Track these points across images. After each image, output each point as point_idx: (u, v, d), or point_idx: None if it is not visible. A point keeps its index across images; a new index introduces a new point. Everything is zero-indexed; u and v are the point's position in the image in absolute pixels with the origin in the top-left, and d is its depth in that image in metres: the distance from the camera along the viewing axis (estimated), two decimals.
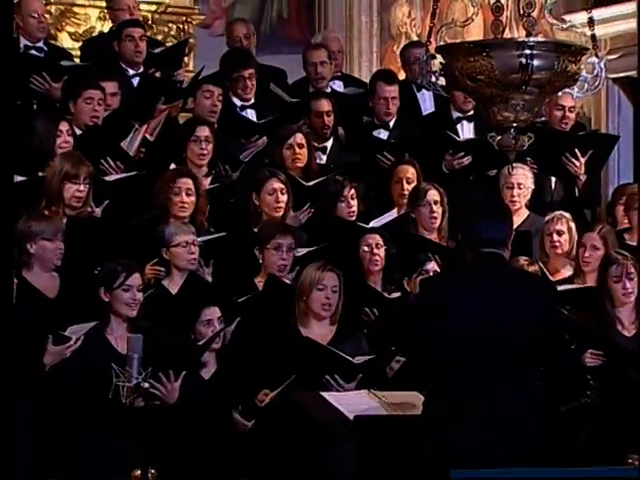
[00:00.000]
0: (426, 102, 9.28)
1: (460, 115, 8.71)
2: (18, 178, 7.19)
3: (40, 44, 8.88)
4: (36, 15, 8.90)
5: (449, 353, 5.31)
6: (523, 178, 7.96)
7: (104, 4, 9.80)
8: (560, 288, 7.26)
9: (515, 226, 7.78)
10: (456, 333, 5.30)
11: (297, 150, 8.04)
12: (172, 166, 7.68)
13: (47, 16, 9.28)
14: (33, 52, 8.79)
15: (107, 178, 7.45)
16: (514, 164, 7.62)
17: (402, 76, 9.59)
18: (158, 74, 8.89)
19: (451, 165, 8.41)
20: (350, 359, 6.44)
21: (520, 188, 7.96)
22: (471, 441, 5.18)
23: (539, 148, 7.62)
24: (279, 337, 6.66)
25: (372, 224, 7.60)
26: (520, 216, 7.99)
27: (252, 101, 8.77)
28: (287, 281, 6.99)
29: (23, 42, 8.83)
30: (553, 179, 8.49)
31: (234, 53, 9.18)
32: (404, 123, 8.89)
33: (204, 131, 7.81)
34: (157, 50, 9.02)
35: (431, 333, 5.35)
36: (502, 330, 5.35)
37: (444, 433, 5.24)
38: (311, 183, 7.87)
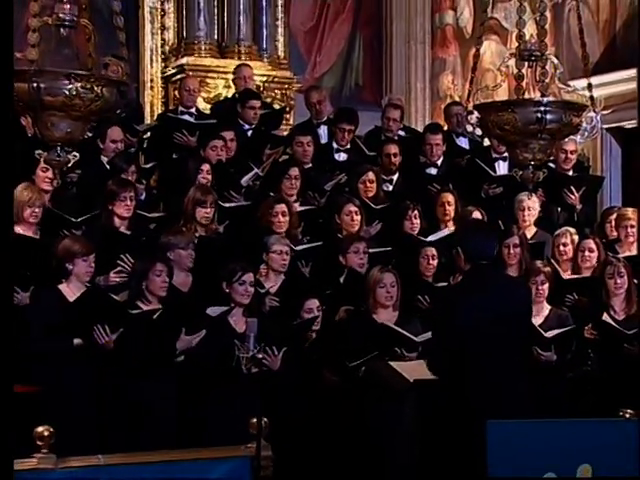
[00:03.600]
0: (463, 146, 9.22)
1: (497, 156, 8.63)
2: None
3: (192, 110, 8.99)
4: (188, 89, 9.02)
5: (465, 340, 5.28)
6: (532, 203, 7.87)
7: (227, 77, 9.91)
8: (570, 277, 7.27)
9: (528, 237, 7.82)
10: (465, 325, 5.27)
11: (368, 184, 7.99)
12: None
13: (199, 91, 9.39)
14: (186, 116, 8.87)
15: (225, 205, 7.48)
16: (525, 193, 7.64)
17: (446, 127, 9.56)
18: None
19: (487, 193, 8.36)
20: (413, 337, 6.41)
21: (529, 210, 7.87)
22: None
23: (547, 184, 7.58)
24: (357, 321, 6.62)
25: (430, 238, 7.51)
26: (530, 231, 7.90)
27: (347, 147, 8.74)
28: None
29: (180, 109, 9.00)
30: (558, 208, 8.40)
31: (345, 110, 9.24)
32: (449, 162, 8.82)
33: (294, 171, 7.79)
34: (264, 111, 9.02)
35: (449, 325, 5.35)
36: (501, 319, 5.32)
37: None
38: (379, 207, 7.83)
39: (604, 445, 4.92)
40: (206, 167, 7.53)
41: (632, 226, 7.66)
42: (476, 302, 5.33)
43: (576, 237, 7.53)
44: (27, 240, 6.46)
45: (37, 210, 6.64)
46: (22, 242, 6.41)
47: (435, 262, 7.20)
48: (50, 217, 6.76)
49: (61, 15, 5.93)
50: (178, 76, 9.97)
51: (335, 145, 8.73)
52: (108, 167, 7.56)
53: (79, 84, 5.76)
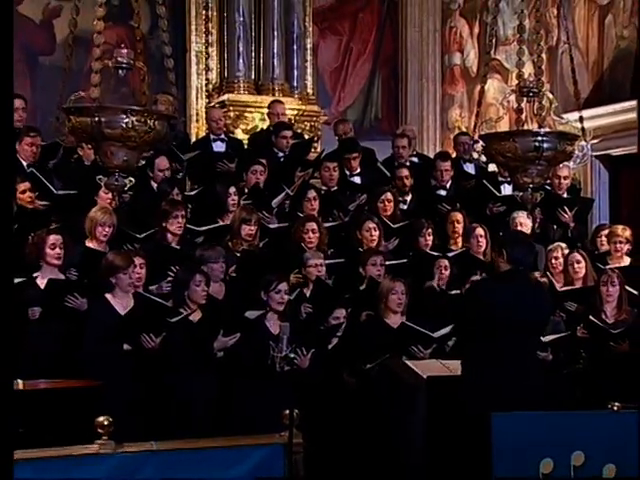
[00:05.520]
0: (470, 171, 9.18)
1: (503, 179, 8.57)
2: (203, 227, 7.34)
3: (222, 136, 8.99)
4: (214, 119, 9.04)
5: (490, 329, 5.24)
6: (524, 220, 7.81)
7: (263, 111, 9.92)
8: (564, 289, 7.21)
9: None
10: (495, 316, 5.25)
11: (386, 204, 7.95)
12: None
13: (224, 119, 9.38)
14: (218, 142, 8.88)
15: (269, 226, 7.51)
16: (518, 211, 7.60)
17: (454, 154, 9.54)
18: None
19: (491, 211, 8.32)
20: (430, 333, 6.38)
21: (522, 226, 7.80)
22: (505, 385, 5.14)
23: (544, 205, 7.56)
24: (371, 325, 6.59)
25: (450, 255, 7.44)
26: None
27: (358, 170, 8.71)
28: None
29: (211, 136, 8.98)
30: (554, 225, 8.36)
31: (347, 140, 9.20)
32: (456, 185, 8.81)
33: (312, 193, 7.79)
34: (296, 141, 9.03)
35: (478, 316, 5.30)
36: (525, 315, 5.28)
37: (485, 381, 5.20)
38: (396, 225, 7.80)
39: (595, 434, 4.92)
40: (233, 190, 7.52)
41: (621, 242, 7.62)
42: (502, 295, 5.30)
43: (567, 251, 7.50)
44: (96, 252, 6.51)
45: (107, 229, 6.62)
46: (92, 254, 6.47)
47: (447, 272, 7.15)
48: (117, 233, 6.80)
49: (119, 59, 6.00)
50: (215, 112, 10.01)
51: (348, 172, 8.67)
52: (157, 191, 7.59)
53: (134, 118, 5.82)
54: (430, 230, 7.65)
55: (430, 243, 7.65)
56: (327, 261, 7.12)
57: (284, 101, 9.90)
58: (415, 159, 9.37)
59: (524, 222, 7.81)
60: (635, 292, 6.99)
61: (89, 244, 6.61)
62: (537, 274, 7.03)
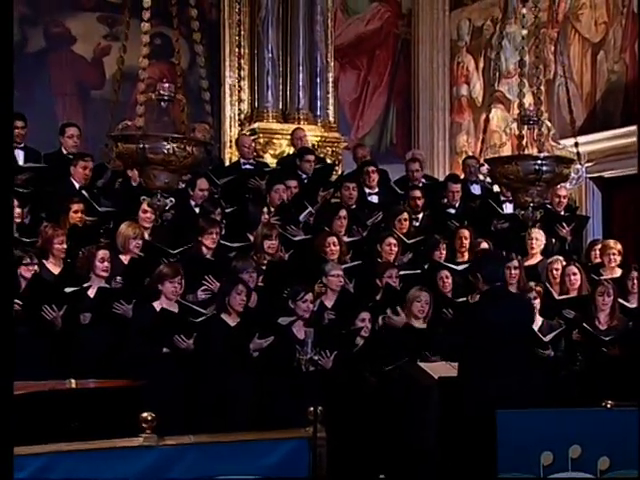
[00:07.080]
0: (476, 191, 9.16)
1: (505, 199, 8.57)
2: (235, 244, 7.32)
3: (251, 161, 9.04)
4: (245, 146, 9.07)
5: (486, 342, 5.22)
6: (538, 235, 7.78)
7: (289, 137, 9.95)
8: (562, 297, 7.16)
9: (534, 263, 7.72)
10: (488, 333, 5.22)
11: (402, 222, 7.95)
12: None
13: (254, 145, 9.43)
14: (247, 166, 8.93)
15: (294, 238, 7.52)
16: (534, 228, 7.56)
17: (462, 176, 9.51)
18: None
19: (495, 227, 8.30)
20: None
21: (537, 241, 7.78)
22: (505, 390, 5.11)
23: (543, 222, 7.52)
24: (393, 328, 6.54)
25: (462, 268, 7.37)
26: (536, 258, 7.80)
27: (376, 190, 8.72)
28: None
29: (242, 160, 9.03)
30: (553, 239, 8.31)
31: (366, 161, 9.21)
32: (464, 204, 8.78)
33: (343, 212, 7.78)
34: (319, 166, 9.04)
35: (474, 332, 5.29)
36: (513, 327, 5.26)
37: (485, 386, 5.17)
38: (411, 241, 7.79)
39: (591, 429, 4.90)
40: (265, 209, 7.59)
41: (614, 254, 7.58)
42: (492, 314, 5.27)
43: (564, 263, 7.46)
44: (140, 262, 6.54)
45: (139, 242, 6.70)
46: (137, 264, 6.50)
47: (449, 280, 7.12)
48: (153, 249, 6.82)
49: (162, 92, 6.04)
50: (252, 137, 10.06)
51: (367, 190, 8.68)
52: (196, 210, 7.62)
53: (175, 145, 5.86)
54: (444, 245, 7.65)
55: (444, 256, 7.64)
56: (345, 265, 7.09)
57: (308, 129, 9.98)
58: (424, 180, 9.38)
59: (539, 237, 7.79)
60: (628, 304, 6.93)
61: (123, 258, 6.64)
62: (532, 283, 7.00)
